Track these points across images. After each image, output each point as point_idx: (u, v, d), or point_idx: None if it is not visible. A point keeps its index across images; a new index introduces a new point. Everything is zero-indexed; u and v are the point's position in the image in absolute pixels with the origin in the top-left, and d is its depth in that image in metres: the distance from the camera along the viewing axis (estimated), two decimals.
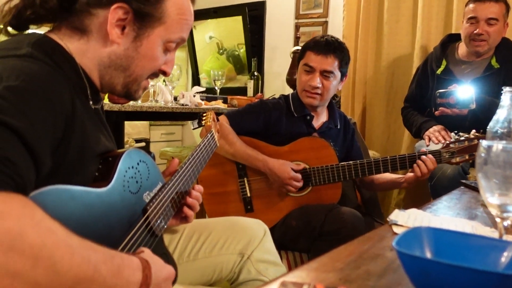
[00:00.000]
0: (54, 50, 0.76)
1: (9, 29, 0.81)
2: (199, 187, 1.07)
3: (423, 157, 1.61)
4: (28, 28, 0.82)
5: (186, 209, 1.03)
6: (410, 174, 1.66)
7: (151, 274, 0.67)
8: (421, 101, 2.39)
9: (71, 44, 0.80)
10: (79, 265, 0.53)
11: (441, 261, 0.58)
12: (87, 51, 0.81)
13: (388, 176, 1.80)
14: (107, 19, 0.78)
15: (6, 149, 0.54)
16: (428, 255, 0.69)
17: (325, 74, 1.70)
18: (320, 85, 1.70)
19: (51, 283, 0.50)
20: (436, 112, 2.11)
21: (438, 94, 2.08)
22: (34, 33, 0.80)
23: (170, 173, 1.03)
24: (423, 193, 2.37)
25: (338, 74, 1.72)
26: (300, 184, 1.65)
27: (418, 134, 2.33)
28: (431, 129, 2.19)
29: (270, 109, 1.76)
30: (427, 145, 2.13)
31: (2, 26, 0.81)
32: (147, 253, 0.71)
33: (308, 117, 1.78)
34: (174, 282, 0.80)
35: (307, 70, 1.72)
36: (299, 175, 1.65)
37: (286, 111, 1.79)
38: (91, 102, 0.83)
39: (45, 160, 0.62)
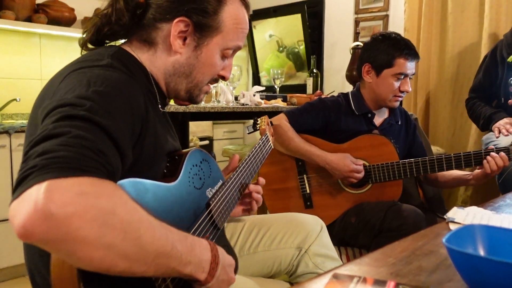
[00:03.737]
0: (129, 61, 0.86)
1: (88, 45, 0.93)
2: (262, 181, 1.15)
3: (493, 153, 1.55)
4: (104, 43, 0.93)
5: (253, 203, 1.13)
6: (478, 171, 1.61)
7: (219, 255, 0.74)
8: (489, 91, 2.28)
9: (142, 55, 0.90)
10: (160, 240, 0.61)
11: (491, 258, 0.59)
12: (155, 61, 0.91)
13: (454, 173, 1.75)
14: (170, 31, 0.87)
15: (99, 143, 0.63)
16: (481, 252, 0.69)
17: (411, 76, 1.74)
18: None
19: (137, 254, 0.58)
20: (510, 101, 2.01)
21: (511, 82, 1.98)
22: (111, 46, 0.91)
23: (232, 168, 1.11)
24: (491, 190, 2.27)
25: None
26: (361, 175, 1.66)
27: (486, 126, 2.22)
28: (501, 121, 2.09)
29: (329, 107, 1.78)
30: (497, 137, 2.04)
31: (83, 40, 0.92)
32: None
33: (370, 115, 1.78)
34: (235, 272, 0.86)
35: (400, 77, 1.71)
36: (359, 167, 1.66)
37: (345, 109, 1.79)
38: (160, 106, 0.92)
39: (127, 153, 0.71)
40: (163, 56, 0.90)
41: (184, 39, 0.89)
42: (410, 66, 1.69)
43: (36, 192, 0.52)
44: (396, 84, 1.70)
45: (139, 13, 0.88)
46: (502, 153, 1.54)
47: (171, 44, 0.88)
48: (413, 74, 1.73)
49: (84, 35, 0.91)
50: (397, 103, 1.76)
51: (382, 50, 1.70)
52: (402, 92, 1.72)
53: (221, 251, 0.76)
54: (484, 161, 1.55)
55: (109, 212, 0.55)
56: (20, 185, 0.55)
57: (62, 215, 0.52)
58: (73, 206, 0.52)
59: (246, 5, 0.95)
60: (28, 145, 0.61)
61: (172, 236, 0.64)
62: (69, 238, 0.53)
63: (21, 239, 0.53)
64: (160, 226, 0.63)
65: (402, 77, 1.70)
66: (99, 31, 0.90)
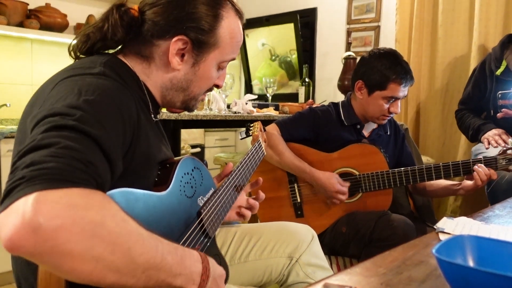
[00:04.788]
0: (121, 69, 0.86)
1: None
2: (262, 195, 1.17)
3: (480, 164, 1.57)
4: (95, 54, 0.92)
5: (244, 210, 1.13)
6: (468, 182, 1.61)
7: (210, 267, 0.74)
8: (478, 103, 2.31)
9: (136, 66, 0.90)
10: (149, 252, 0.60)
11: (480, 269, 0.60)
12: (150, 74, 0.91)
13: (442, 182, 1.76)
14: (168, 48, 0.88)
15: (88, 154, 0.62)
16: (471, 263, 0.70)
17: (402, 97, 1.73)
18: None
19: (127, 267, 0.57)
20: (499, 114, 2.03)
21: (500, 95, 2.01)
22: (104, 54, 0.91)
23: (225, 175, 1.11)
24: (480, 200, 2.29)
25: None
26: (344, 197, 1.67)
27: (475, 137, 2.25)
28: (490, 132, 2.12)
29: (319, 117, 1.79)
30: (487, 148, 2.06)
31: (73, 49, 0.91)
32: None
33: (359, 126, 1.79)
34: (225, 282, 0.86)
35: (390, 100, 1.69)
36: (345, 189, 1.67)
37: (335, 119, 1.80)
38: (152, 115, 0.91)
39: (118, 164, 0.70)
40: (159, 71, 0.91)
41: (182, 55, 0.89)
42: (403, 90, 1.67)
43: (24, 204, 0.52)
44: (386, 105, 1.70)
45: (134, 28, 0.88)
46: (492, 170, 1.56)
47: (168, 61, 0.89)
48: (404, 96, 1.72)
49: (76, 41, 0.91)
50: (385, 121, 1.77)
51: (377, 70, 1.67)
52: (391, 113, 1.72)
53: (212, 262, 0.76)
54: (474, 173, 1.56)
55: (98, 224, 0.54)
56: (7, 197, 0.54)
57: (50, 228, 0.51)
58: (61, 218, 0.52)
59: (241, 16, 0.96)
60: (16, 155, 0.61)
61: (162, 247, 0.63)
62: (57, 251, 0.52)
63: (9, 252, 0.52)
64: (150, 238, 0.62)
65: (393, 100, 1.69)
66: (93, 46, 0.89)
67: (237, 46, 0.95)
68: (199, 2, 0.88)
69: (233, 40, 0.93)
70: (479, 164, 1.57)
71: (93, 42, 0.88)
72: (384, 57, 1.69)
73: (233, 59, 0.97)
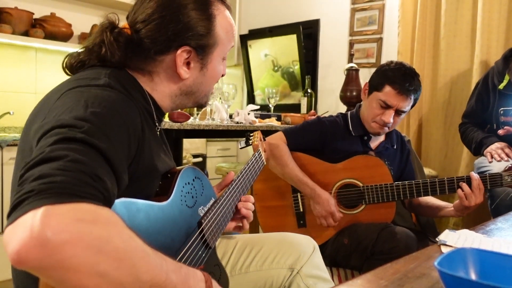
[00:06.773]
0: (126, 80, 0.86)
1: None
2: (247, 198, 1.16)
3: (464, 185, 1.55)
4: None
5: (244, 221, 1.13)
6: (457, 202, 1.61)
7: (213, 287, 0.73)
8: (481, 117, 2.31)
9: (139, 78, 0.91)
10: (154, 270, 0.60)
11: (482, 282, 0.59)
12: (156, 86, 0.92)
13: (436, 202, 1.76)
14: (173, 62, 0.89)
15: (96, 168, 0.62)
16: (473, 276, 0.69)
17: (399, 112, 1.68)
18: (392, 121, 1.69)
19: (131, 284, 0.57)
20: (500, 131, 2.02)
21: (502, 112, 2.00)
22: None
23: (226, 184, 1.11)
24: (483, 213, 2.28)
25: (409, 109, 1.71)
26: (335, 223, 1.67)
27: (478, 150, 2.25)
28: (493, 146, 2.11)
29: (327, 127, 1.79)
30: (490, 162, 2.05)
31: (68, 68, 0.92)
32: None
33: (366, 137, 1.79)
34: None
35: (383, 106, 1.67)
36: (339, 215, 1.66)
37: (343, 129, 1.80)
38: (156, 125, 0.92)
39: (123, 177, 0.70)
40: (166, 82, 0.92)
41: (188, 63, 0.91)
42: (397, 99, 1.64)
43: (32, 218, 0.51)
44: (378, 111, 1.68)
45: (131, 47, 0.87)
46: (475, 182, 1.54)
47: (174, 72, 0.90)
48: (402, 111, 1.67)
49: (69, 62, 0.90)
50: (378, 131, 1.73)
51: (381, 72, 1.70)
52: (385, 123, 1.68)
53: (214, 283, 0.76)
54: (459, 190, 1.56)
55: (104, 240, 0.54)
56: (15, 210, 0.54)
57: (58, 242, 0.51)
58: (68, 233, 0.51)
59: (228, 6, 0.98)
60: (24, 167, 0.60)
61: (166, 266, 0.63)
62: (63, 266, 0.51)
63: (15, 266, 0.51)
64: (155, 256, 0.62)
65: (385, 106, 1.66)
66: (85, 65, 0.89)
67: (233, 36, 0.98)
68: (189, 9, 0.88)
69: (228, 33, 0.96)
70: (461, 183, 1.56)
71: (84, 62, 0.88)
72: (393, 64, 1.70)
73: (232, 46, 1.00)
